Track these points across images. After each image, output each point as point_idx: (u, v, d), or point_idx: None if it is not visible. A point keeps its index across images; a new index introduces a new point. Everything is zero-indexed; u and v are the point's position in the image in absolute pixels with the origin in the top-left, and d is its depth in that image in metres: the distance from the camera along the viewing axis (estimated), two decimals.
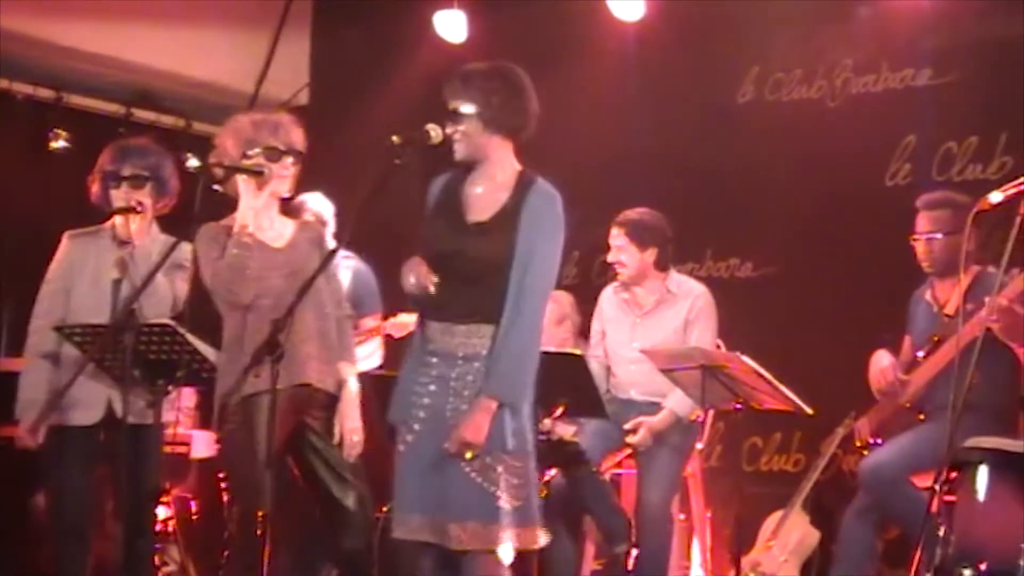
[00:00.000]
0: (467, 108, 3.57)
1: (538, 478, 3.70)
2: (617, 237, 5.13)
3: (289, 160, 4.10)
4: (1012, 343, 4.27)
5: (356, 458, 4.13)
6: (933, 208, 4.66)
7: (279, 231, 4.14)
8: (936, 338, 4.60)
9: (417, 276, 3.57)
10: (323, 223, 5.21)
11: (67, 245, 4.47)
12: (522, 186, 3.61)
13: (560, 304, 5.47)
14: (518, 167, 3.65)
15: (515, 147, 3.66)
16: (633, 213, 5.14)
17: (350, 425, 4.08)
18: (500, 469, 3.49)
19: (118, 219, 4.39)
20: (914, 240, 4.67)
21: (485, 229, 3.61)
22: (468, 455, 3.46)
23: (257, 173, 4.02)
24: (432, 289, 3.55)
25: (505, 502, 3.49)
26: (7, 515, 5.51)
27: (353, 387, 4.11)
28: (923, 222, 4.66)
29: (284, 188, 4.14)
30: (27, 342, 4.43)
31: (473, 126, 3.58)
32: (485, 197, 3.63)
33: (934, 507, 3.67)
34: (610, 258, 5.15)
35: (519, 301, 3.51)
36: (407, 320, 4.21)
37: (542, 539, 3.60)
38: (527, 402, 3.59)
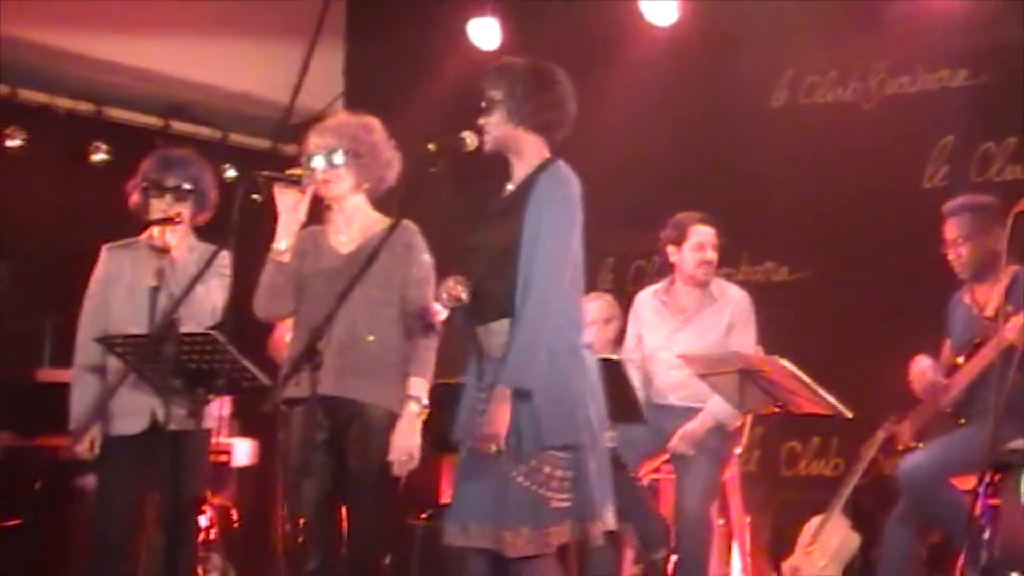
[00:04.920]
0: (493, 96, 3.55)
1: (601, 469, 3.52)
2: (714, 236, 5.12)
3: (334, 159, 4.01)
4: None
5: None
6: (954, 214, 4.68)
7: (347, 235, 4.07)
8: (976, 341, 4.58)
9: (446, 291, 3.55)
10: None
11: (105, 257, 4.50)
12: (536, 171, 3.54)
13: (610, 305, 5.45)
14: (547, 157, 3.57)
15: (549, 146, 3.60)
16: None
17: (402, 444, 3.92)
18: (547, 469, 3.41)
19: (155, 229, 4.42)
20: (944, 249, 4.68)
21: (498, 215, 3.57)
22: (492, 449, 3.39)
23: (293, 182, 3.99)
24: (465, 298, 3.53)
25: (557, 501, 3.41)
26: (49, 523, 5.56)
27: (413, 404, 3.95)
28: (948, 229, 4.68)
29: (336, 191, 4.04)
30: (75, 355, 4.46)
31: (499, 116, 3.54)
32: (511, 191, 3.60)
33: (977, 510, 3.64)
34: (706, 256, 5.10)
35: (526, 286, 3.42)
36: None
37: (608, 525, 3.50)
38: (572, 389, 3.45)
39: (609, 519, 3.52)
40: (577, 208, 3.51)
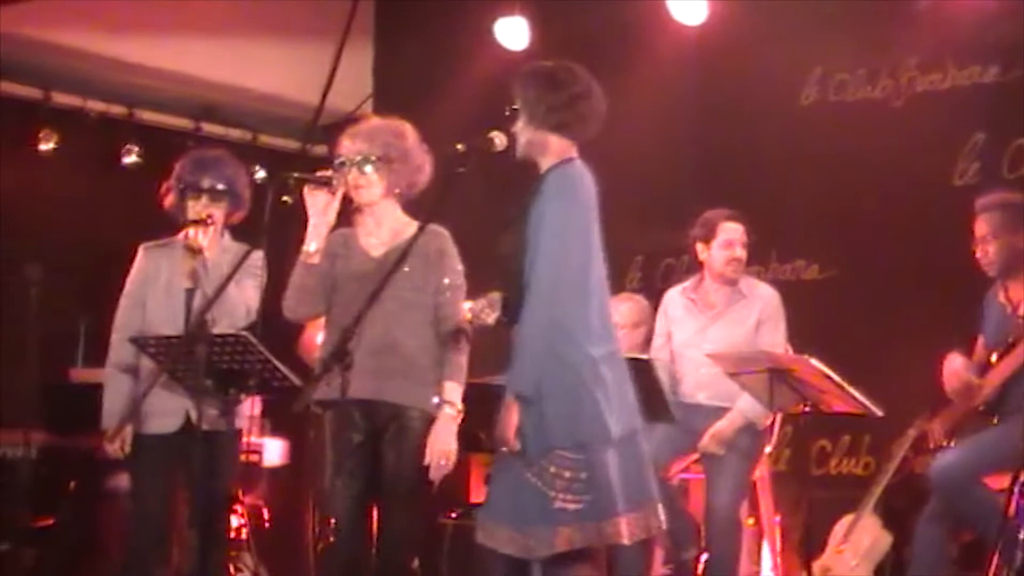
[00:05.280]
0: (516, 102, 3.59)
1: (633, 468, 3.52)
2: (743, 233, 5.12)
3: (365, 167, 4.02)
4: None
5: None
6: (984, 211, 4.66)
7: (378, 238, 4.08)
8: (1010, 339, 4.55)
9: (473, 314, 3.60)
10: None
11: (142, 257, 4.54)
12: (547, 171, 3.55)
13: (642, 308, 5.44)
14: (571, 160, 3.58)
15: (576, 144, 3.60)
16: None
17: (438, 447, 3.91)
18: (553, 469, 3.43)
19: (190, 230, 4.44)
20: (974, 246, 4.66)
21: (513, 223, 3.58)
22: (503, 450, 3.44)
23: (324, 183, 4.00)
24: (490, 321, 3.56)
25: (563, 502, 3.43)
26: (83, 522, 5.60)
27: (449, 409, 3.93)
28: (978, 225, 4.66)
29: (368, 196, 4.04)
30: (108, 355, 4.50)
31: (521, 122, 3.58)
32: None
33: (1011, 509, 3.61)
34: (736, 253, 5.10)
35: (529, 288, 3.44)
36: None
37: (645, 528, 3.52)
38: (580, 390, 3.45)
39: (654, 518, 3.52)
40: (585, 207, 3.49)
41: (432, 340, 3.97)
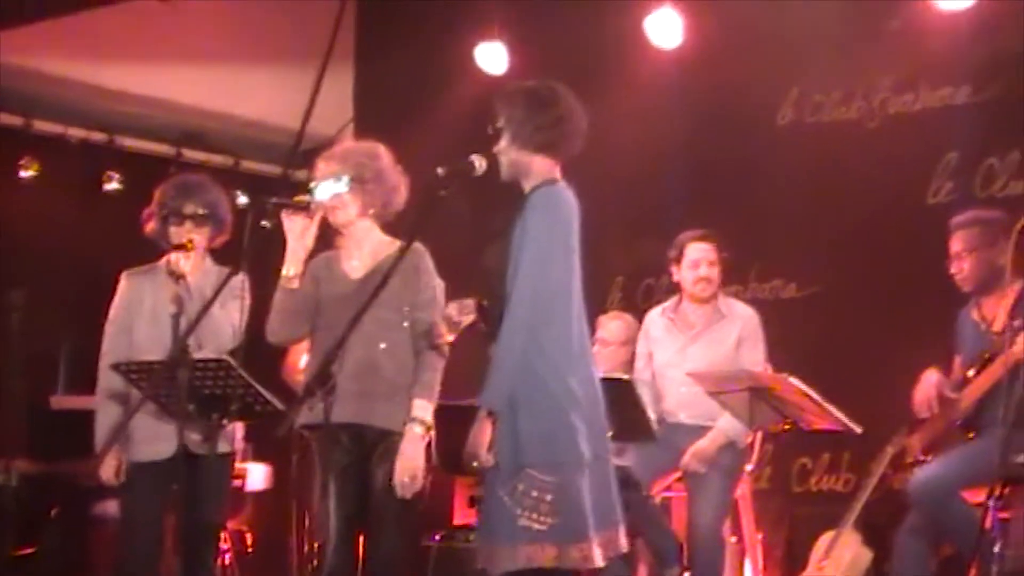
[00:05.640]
0: (499, 123, 3.58)
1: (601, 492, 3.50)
2: (710, 252, 5.14)
3: (340, 190, 4.02)
4: None
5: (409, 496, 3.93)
6: (960, 227, 4.68)
7: (359, 259, 4.08)
8: (985, 355, 4.58)
9: (445, 318, 3.64)
10: None
11: (125, 284, 4.50)
12: (530, 191, 3.55)
13: (630, 326, 5.45)
14: (554, 179, 3.58)
15: (560, 164, 3.60)
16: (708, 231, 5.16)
17: (405, 464, 3.89)
18: (521, 487, 3.41)
19: (173, 255, 4.44)
20: (949, 263, 4.68)
21: (495, 240, 3.59)
22: (475, 465, 3.43)
23: (301, 208, 4.01)
24: (465, 322, 3.58)
25: (527, 520, 3.40)
26: (66, 549, 5.57)
27: (417, 427, 3.90)
28: (953, 242, 4.69)
29: (343, 217, 4.06)
30: (98, 382, 4.47)
31: (505, 142, 3.57)
32: None
33: (988, 523, 3.63)
34: (701, 273, 5.13)
35: (509, 306, 3.43)
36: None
37: (615, 548, 3.50)
38: (557, 410, 3.43)
39: (618, 541, 3.52)
40: (567, 229, 3.49)
41: (411, 359, 3.96)
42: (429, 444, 3.98)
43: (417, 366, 3.94)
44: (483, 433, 3.42)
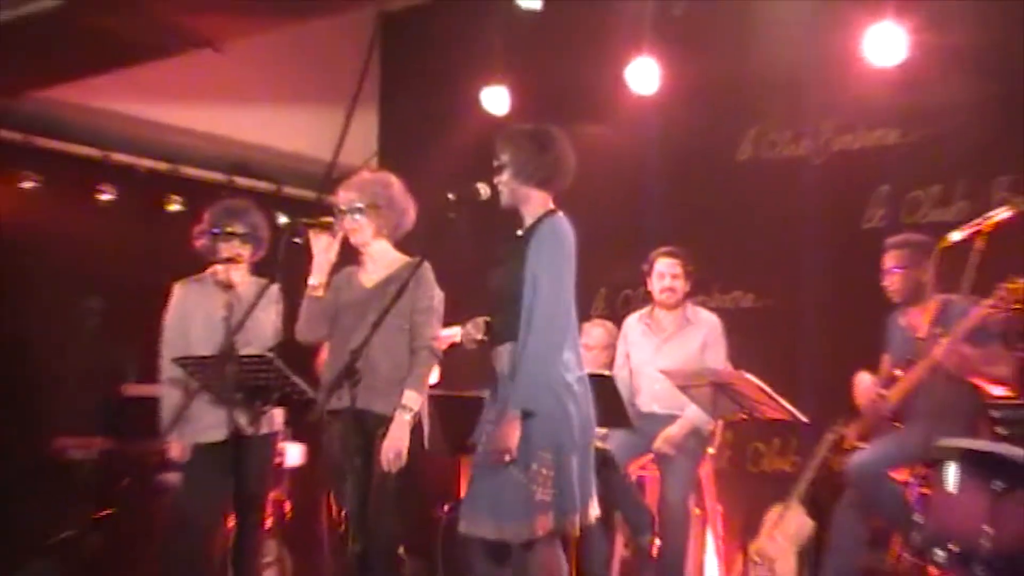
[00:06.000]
0: (502, 160, 3.61)
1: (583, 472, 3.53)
2: (674, 266, 5.16)
3: (355, 215, 4.05)
4: (964, 377, 4.26)
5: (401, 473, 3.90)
6: (893, 247, 4.70)
7: (374, 272, 4.10)
8: (910, 358, 4.59)
9: (464, 336, 3.63)
10: None
11: (178, 291, 4.54)
12: (537, 221, 3.59)
13: (610, 333, 5.47)
14: (550, 210, 3.61)
15: (553, 198, 3.65)
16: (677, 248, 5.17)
17: (391, 444, 3.89)
18: (535, 466, 3.45)
19: (220, 267, 4.48)
20: (881, 278, 4.71)
21: (501, 262, 3.62)
22: (506, 460, 3.42)
23: (325, 228, 4.04)
24: (479, 337, 3.59)
25: (541, 495, 3.44)
26: (135, 513, 5.59)
27: (405, 413, 3.91)
28: (886, 259, 4.70)
29: (360, 238, 4.10)
30: (161, 374, 4.50)
31: (507, 176, 3.60)
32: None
33: (912, 498, 3.65)
34: (666, 284, 5.15)
35: (530, 320, 3.46)
36: (450, 333, 4.07)
37: (590, 518, 3.53)
38: (560, 405, 3.47)
39: (590, 512, 3.55)
40: (569, 257, 3.54)
41: (406, 358, 3.96)
42: (420, 429, 3.98)
43: (411, 363, 3.95)
44: (515, 432, 3.43)
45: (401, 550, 4.02)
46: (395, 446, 3.89)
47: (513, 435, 3.43)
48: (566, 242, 3.54)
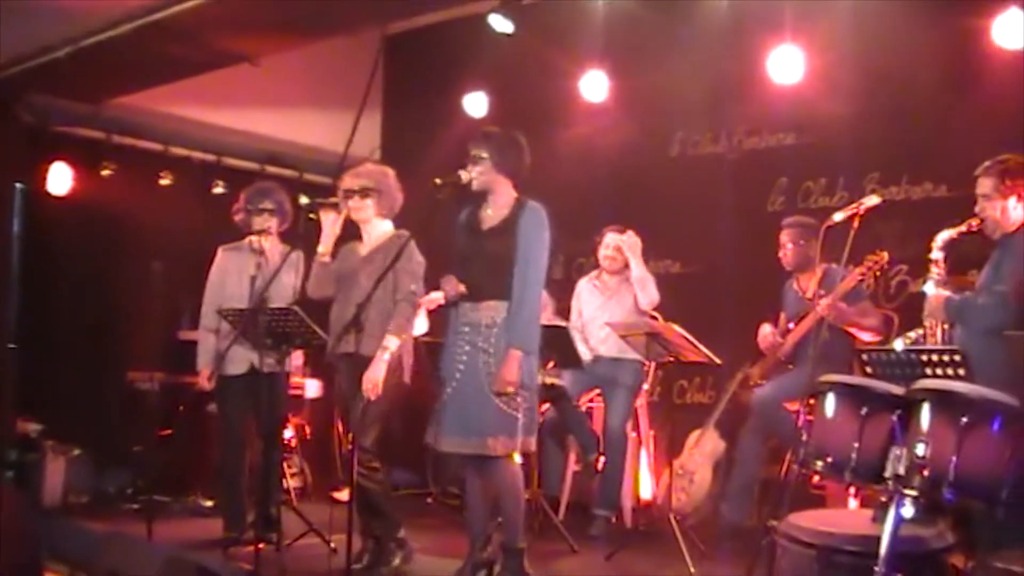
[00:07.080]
0: (484, 154, 3.65)
1: (537, 408, 3.66)
2: (615, 239, 5.15)
3: (359, 197, 4.03)
4: (842, 326, 4.33)
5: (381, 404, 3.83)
6: (787, 227, 4.76)
7: (368, 243, 4.08)
8: (800, 314, 4.65)
9: (452, 287, 3.63)
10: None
11: (221, 256, 4.57)
12: (518, 205, 3.66)
13: (546, 296, 5.48)
14: (515, 195, 3.69)
15: (515, 185, 3.70)
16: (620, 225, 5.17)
17: (369, 376, 3.81)
18: (519, 399, 3.52)
19: (253, 237, 4.48)
20: (779, 249, 4.74)
21: (495, 234, 3.65)
22: (509, 390, 3.47)
23: (332, 206, 4.02)
24: (461, 290, 3.60)
25: (522, 421, 3.52)
26: (189, 433, 5.62)
27: (384, 353, 3.81)
28: (782, 237, 4.76)
29: (362, 216, 4.07)
30: (200, 321, 4.52)
31: (487, 167, 3.65)
32: (493, 216, 3.70)
33: (800, 423, 3.70)
34: (610, 253, 5.15)
35: (524, 283, 3.53)
36: (436, 296, 4.05)
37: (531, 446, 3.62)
38: (534, 354, 3.59)
39: (532, 443, 3.60)
40: (548, 230, 3.64)
41: (391, 309, 3.92)
42: (401, 366, 3.91)
43: (394, 313, 3.92)
44: (516, 366, 3.49)
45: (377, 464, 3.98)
46: (372, 377, 3.83)
47: (517, 370, 3.49)
48: (546, 224, 3.65)
